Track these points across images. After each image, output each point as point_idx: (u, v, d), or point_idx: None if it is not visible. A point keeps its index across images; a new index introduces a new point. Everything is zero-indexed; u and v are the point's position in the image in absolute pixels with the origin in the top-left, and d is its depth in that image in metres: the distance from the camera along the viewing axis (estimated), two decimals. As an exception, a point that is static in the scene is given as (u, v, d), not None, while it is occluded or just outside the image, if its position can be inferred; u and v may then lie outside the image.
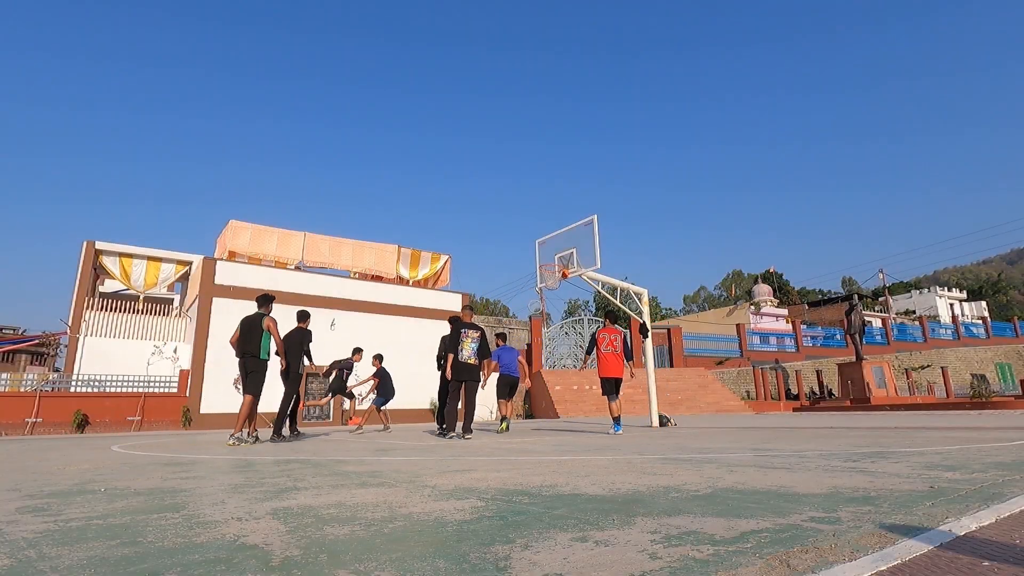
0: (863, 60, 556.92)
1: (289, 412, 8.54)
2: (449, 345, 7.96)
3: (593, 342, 8.29)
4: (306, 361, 8.56)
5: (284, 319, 18.06)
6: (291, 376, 8.31)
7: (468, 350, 7.76)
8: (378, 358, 11.70)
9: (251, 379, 7.19)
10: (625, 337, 8.38)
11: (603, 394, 8.19)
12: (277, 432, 8.16)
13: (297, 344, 8.41)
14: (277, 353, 7.47)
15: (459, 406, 8.13)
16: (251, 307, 16.85)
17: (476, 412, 20.47)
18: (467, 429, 7.65)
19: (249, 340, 7.23)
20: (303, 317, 8.78)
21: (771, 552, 1.41)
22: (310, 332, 8.75)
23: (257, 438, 7.53)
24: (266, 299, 7.69)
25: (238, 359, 7.27)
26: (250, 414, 7.24)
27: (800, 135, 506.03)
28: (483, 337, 7.95)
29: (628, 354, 8.27)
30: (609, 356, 8.11)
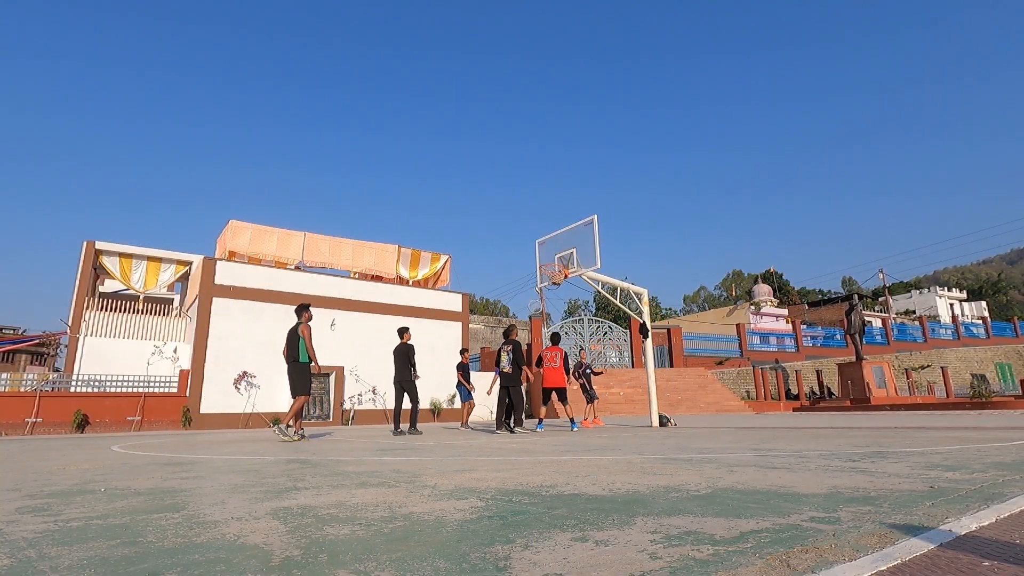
0: (864, 65, 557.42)
1: (399, 413, 9.59)
2: (497, 361, 9.62)
3: (540, 359, 10.01)
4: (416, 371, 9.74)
5: (285, 319, 18.09)
6: (406, 385, 9.47)
7: (504, 361, 9.30)
8: (462, 354, 13.06)
9: (297, 382, 8.07)
10: (565, 355, 10.03)
11: (542, 403, 10.18)
12: (413, 426, 9.33)
13: (404, 356, 9.61)
14: (310, 358, 8.22)
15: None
16: (251, 307, 17.03)
17: (476, 411, 20.42)
18: (517, 422, 9.12)
19: (290, 348, 8.18)
20: (402, 332, 9.92)
21: (771, 552, 1.41)
22: (413, 346, 9.82)
23: (303, 436, 8.12)
24: (300, 308, 8.51)
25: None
26: (299, 412, 8.11)
27: (801, 138, 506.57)
28: (515, 350, 9.29)
29: (567, 369, 10.02)
30: (549, 370, 9.81)
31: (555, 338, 10.37)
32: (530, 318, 27.44)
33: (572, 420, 10.04)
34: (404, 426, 9.92)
